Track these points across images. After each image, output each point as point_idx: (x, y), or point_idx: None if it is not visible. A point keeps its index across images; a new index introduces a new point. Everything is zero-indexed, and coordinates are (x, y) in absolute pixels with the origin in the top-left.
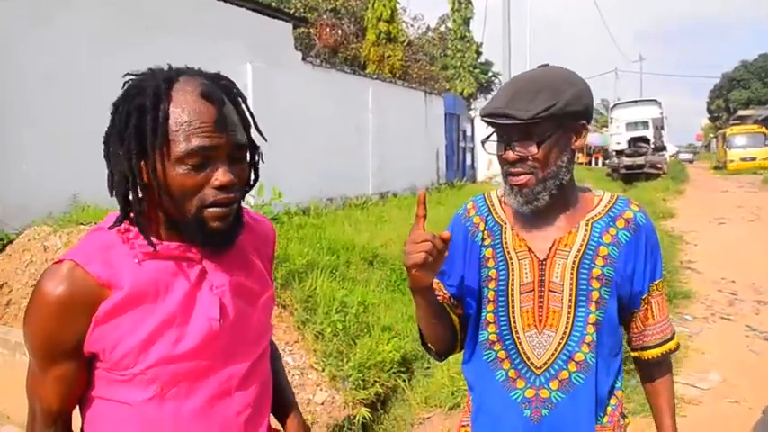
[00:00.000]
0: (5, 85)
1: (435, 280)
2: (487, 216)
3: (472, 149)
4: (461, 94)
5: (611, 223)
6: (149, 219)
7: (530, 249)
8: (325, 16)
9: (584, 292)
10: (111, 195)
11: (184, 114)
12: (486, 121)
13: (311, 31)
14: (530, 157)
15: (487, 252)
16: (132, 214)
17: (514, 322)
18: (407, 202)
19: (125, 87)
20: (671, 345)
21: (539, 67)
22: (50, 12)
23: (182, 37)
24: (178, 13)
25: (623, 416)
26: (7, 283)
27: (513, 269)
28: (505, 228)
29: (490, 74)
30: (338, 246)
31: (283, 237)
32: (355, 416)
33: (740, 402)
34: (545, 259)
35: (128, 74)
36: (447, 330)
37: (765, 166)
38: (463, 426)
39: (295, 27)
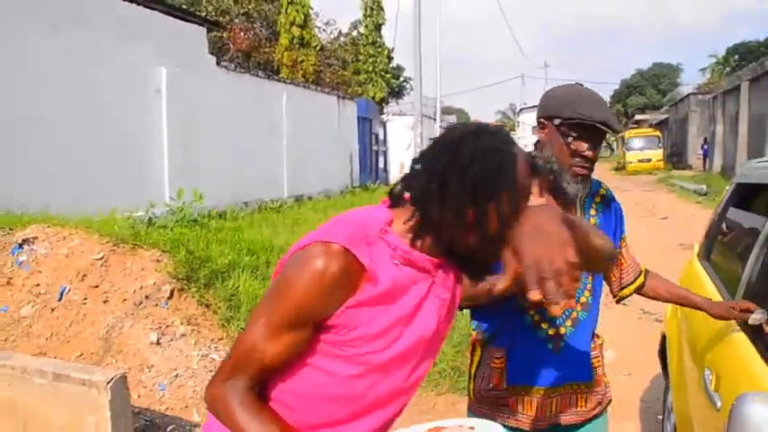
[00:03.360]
0: None
1: None
2: None
3: (385, 153)
4: (373, 98)
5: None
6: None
7: None
8: (237, 20)
9: None
10: (431, 214)
11: (525, 180)
12: (585, 122)
13: (224, 35)
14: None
15: None
16: (412, 223)
17: None
18: (322, 205)
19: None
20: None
21: (578, 84)
22: None
23: (91, 37)
24: (86, 12)
25: (598, 336)
26: None
27: None
28: None
29: (402, 79)
30: (257, 247)
31: (203, 239)
32: None
33: (632, 375)
34: None
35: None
36: None
37: (659, 167)
38: (496, 364)
39: (209, 31)
